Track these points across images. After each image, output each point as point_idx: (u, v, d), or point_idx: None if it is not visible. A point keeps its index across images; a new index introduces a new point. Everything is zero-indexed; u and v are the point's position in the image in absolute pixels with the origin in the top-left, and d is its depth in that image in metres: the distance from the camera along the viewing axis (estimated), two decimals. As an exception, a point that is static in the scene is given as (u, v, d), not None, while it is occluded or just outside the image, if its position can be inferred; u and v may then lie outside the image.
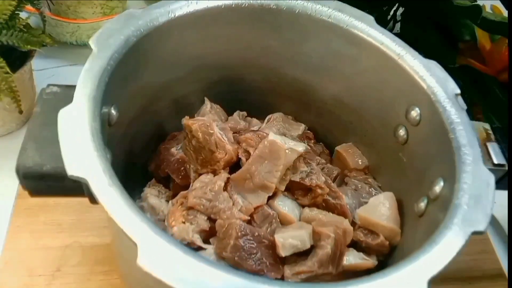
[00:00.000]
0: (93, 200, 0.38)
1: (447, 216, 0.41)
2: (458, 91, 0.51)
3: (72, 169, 0.37)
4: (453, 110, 0.49)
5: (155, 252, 0.33)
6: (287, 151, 0.52)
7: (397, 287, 0.35)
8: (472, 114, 0.48)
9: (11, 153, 0.46)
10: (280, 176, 0.52)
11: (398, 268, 0.37)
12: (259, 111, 0.66)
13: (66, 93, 0.45)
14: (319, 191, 0.54)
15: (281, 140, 0.52)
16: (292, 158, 0.52)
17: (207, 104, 0.61)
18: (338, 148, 0.65)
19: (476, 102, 0.82)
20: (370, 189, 0.60)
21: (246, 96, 0.66)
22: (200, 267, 0.33)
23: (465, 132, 0.47)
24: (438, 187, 0.47)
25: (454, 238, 0.39)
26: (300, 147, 0.53)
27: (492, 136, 0.51)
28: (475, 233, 0.39)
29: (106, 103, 0.45)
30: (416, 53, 0.54)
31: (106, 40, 0.47)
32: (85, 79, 0.43)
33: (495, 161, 0.48)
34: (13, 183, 0.64)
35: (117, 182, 0.37)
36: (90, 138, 0.39)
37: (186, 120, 0.55)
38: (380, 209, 0.55)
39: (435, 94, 0.51)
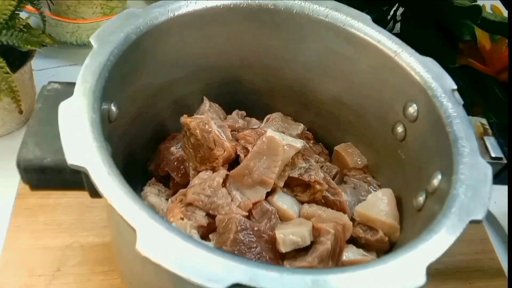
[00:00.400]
0: (93, 192, 0.38)
1: (445, 206, 0.41)
2: (455, 86, 0.51)
3: (72, 159, 0.37)
4: (450, 105, 0.49)
5: (154, 238, 0.33)
6: (285, 147, 0.52)
7: (396, 273, 0.35)
8: (472, 113, 0.49)
9: (11, 153, 0.46)
10: (278, 171, 0.52)
11: (397, 255, 0.37)
12: (258, 112, 0.66)
13: (67, 90, 0.45)
14: (318, 187, 0.54)
15: (279, 137, 0.53)
16: (290, 154, 0.53)
17: (206, 103, 0.61)
18: (337, 147, 0.65)
19: (476, 102, 0.82)
20: (369, 187, 0.60)
21: (245, 96, 0.66)
22: (198, 252, 0.33)
23: (462, 125, 0.47)
24: (436, 180, 0.48)
25: (452, 226, 0.39)
26: (299, 143, 0.53)
27: (489, 131, 0.51)
28: (473, 221, 0.39)
29: (106, 99, 0.45)
30: (412, 51, 0.54)
31: (106, 37, 0.48)
32: (86, 74, 0.44)
33: (493, 155, 0.49)
34: (13, 183, 0.65)
35: (116, 171, 0.37)
36: (89, 129, 0.39)
37: (184, 118, 0.55)
38: (378, 205, 0.55)
39: (432, 90, 0.51)
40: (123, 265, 0.56)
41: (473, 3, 0.76)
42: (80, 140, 0.38)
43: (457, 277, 0.67)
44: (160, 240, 0.33)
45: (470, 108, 0.50)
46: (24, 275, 0.59)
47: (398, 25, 0.91)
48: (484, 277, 0.68)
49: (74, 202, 0.65)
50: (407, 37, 0.58)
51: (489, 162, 0.45)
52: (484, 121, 0.52)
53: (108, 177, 0.36)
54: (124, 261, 0.54)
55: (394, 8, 0.90)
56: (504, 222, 0.75)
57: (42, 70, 0.83)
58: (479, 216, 0.40)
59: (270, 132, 0.53)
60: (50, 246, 0.62)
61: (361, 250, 0.53)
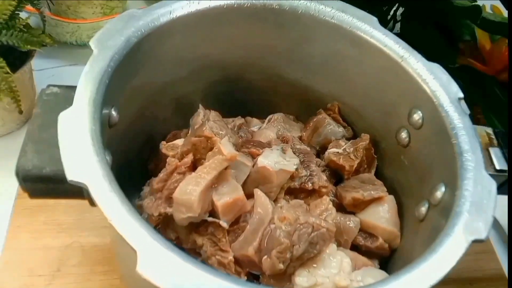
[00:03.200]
0: (93, 203, 0.37)
1: (448, 223, 0.40)
2: (461, 95, 0.50)
3: (72, 174, 0.36)
4: (456, 115, 0.48)
5: (155, 259, 0.33)
6: (278, 173, 0.52)
7: (398, 295, 0.35)
8: (472, 114, 0.48)
9: (11, 153, 0.46)
10: (274, 196, 0.53)
11: (398, 276, 0.36)
12: (260, 111, 0.66)
13: (66, 94, 0.45)
14: (324, 190, 0.54)
15: (271, 162, 0.52)
16: (285, 177, 0.53)
17: (200, 112, 0.59)
18: (338, 149, 0.65)
19: (476, 102, 0.82)
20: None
21: (247, 95, 0.66)
22: (199, 274, 0.33)
23: (467, 137, 0.47)
24: (440, 192, 0.47)
25: (454, 246, 0.39)
26: (292, 166, 0.53)
27: (495, 141, 0.50)
28: (475, 241, 0.39)
29: (106, 105, 0.44)
30: (419, 56, 0.54)
31: (106, 41, 0.47)
32: (85, 82, 0.43)
33: (497, 167, 0.48)
34: (13, 183, 0.63)
35: (117, 187, 0.37)
36: (90, 143, 0.38)
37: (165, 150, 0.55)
38: (379, 211, 0.55)
39: (438, 98, 0.50)
40: (123, 269, 0.56)
41: (473, 3, 0.76)
42: (80, 155, 0.38)
43: (458, 278, 0.67)
44: (161, 261, 0.33)
45: (471, 108, 0.49)
46: (24, 275, 0.59)
47: (398, 25, 0.90)
48: (484, 278, 0.68)
49: (74, 202, 0.62)
50: (407, 37, 0.57)
51: (493, 175, 0.45)
52: (490, 130, 0.51)
53: (109, 194, 0.36)
54: (124, 265, 0.54)
55: (394, 8, 0.89)
56: (504, 222, 0.74)
57: (42, 70, 0.82)
58: (482, 235, 0.39)
59: (262, 161, 0.52)
60: (50, 246, 0.62)
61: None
